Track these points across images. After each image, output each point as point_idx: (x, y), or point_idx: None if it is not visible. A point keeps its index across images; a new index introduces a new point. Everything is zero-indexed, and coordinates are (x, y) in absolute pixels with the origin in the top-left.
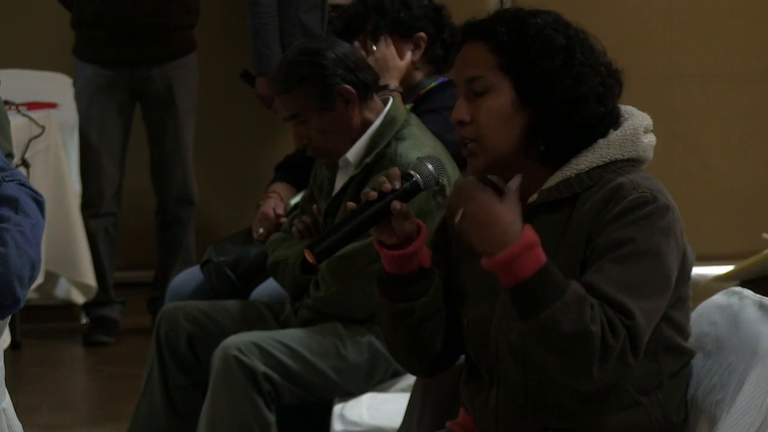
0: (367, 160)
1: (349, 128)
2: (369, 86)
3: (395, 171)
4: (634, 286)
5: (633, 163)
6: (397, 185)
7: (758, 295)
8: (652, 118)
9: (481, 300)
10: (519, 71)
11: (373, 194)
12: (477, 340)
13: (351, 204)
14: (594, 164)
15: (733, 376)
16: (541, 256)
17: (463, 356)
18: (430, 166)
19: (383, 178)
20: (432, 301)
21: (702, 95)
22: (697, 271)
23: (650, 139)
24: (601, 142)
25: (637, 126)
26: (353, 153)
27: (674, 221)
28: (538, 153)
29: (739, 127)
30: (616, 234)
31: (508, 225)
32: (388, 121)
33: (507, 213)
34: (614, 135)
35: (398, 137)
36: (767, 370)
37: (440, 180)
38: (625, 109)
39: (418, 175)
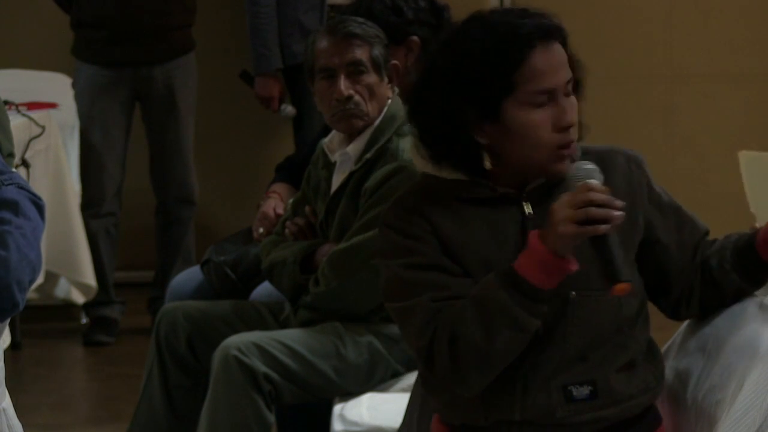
0: (368, 155)
1: (383, 102)
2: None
3: (598, 186)
4: None
5: None
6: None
7: (758, 296)
8: (652, 118)
9: None
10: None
11: (619, 213)
12: None
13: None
14: None
15: (733, 376)
16: None
17: None
18: (592, 166)
19: (607, 197)
20: None
21: (702, 95)
22: None
23: None
24: None
25: None
26: (354, 148)
27: None
28: None
29: (739, 127)
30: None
31: None
32: (389, 117)
33: None
34: None
35: (399, 133)
36: (767, 370)
37: None
38: None
39: (598, 182)
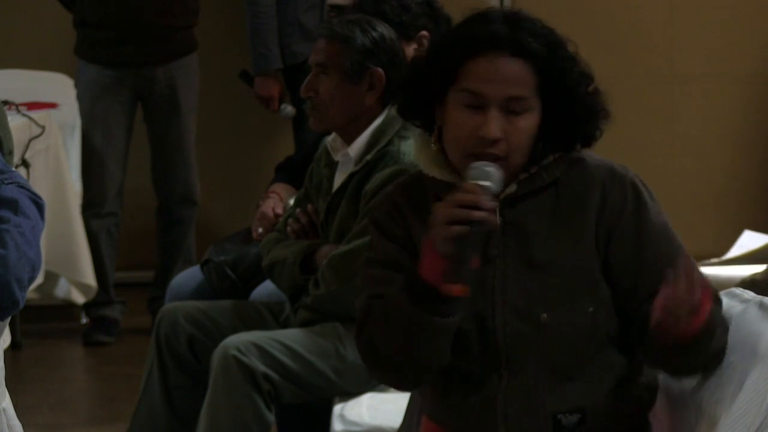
0: (368, 157)
1: (355, 108)
2: None
3: (475, 187)
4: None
5: None
6: (488, 201)
7: (758, 296)
8: (652, 118)
9: (474, 300)
10: (553, 97)
11: (479, 213)
12: (477, 340)
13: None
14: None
15: (733, 376)
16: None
17: None
18: (491, 169)
19: (474, 197)
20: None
21: (702, 95)
22: None
23: None
24: None
25: None
26: (354, 149)
27: None
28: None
29: (739, 127)
30: (660, 246)
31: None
32: (390, 118)
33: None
34: None
35: (401, 135)
36: (767, 370)
37: None
38: None
39: (491, 184)
